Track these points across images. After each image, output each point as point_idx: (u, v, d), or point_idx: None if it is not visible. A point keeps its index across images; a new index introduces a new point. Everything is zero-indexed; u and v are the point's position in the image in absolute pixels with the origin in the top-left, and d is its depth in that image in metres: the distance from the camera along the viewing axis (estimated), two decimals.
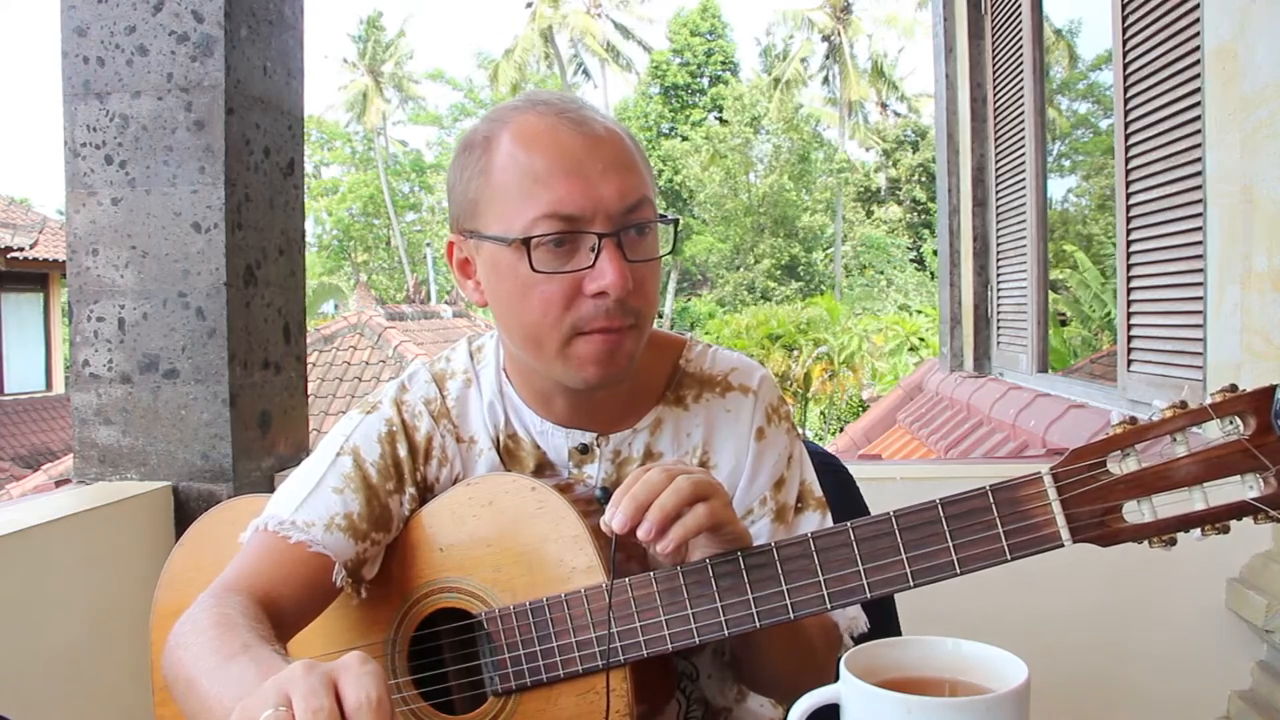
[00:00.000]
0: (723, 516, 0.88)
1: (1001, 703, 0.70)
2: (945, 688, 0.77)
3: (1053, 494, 0.82)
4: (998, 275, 4.75)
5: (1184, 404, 0.80)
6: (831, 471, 1.33)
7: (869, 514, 1.36)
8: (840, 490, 1.33)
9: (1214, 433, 0.80)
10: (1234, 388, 0.79)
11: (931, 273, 22.98)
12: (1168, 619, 1.92)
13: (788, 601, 0.88)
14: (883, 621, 1.22)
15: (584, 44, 31.70)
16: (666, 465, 0.88)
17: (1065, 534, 0.82)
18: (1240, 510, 0.79)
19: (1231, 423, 0.79)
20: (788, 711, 0.77)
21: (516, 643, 0.96)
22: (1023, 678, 0.72)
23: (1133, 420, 0.81)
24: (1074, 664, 1.92)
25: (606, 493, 1.03)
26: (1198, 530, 0.80)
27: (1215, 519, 0.80)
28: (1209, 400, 0.79)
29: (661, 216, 0.98)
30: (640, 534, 0.84)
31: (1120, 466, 0.81)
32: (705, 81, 31.02)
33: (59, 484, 2.14)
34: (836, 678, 0.75)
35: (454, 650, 1.04)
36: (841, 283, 26.68)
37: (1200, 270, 2.46)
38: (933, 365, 6.21)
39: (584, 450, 1.06)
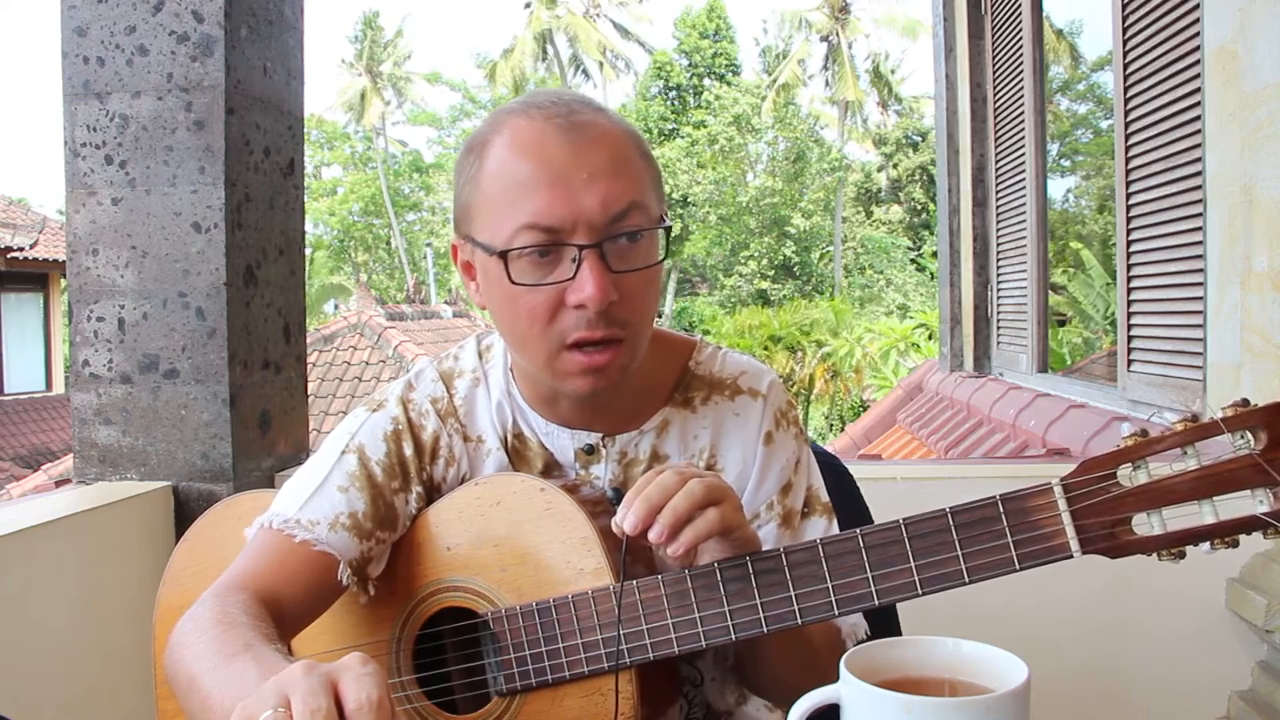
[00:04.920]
0: (733, 521, 0.87)
1: (1001, 703, 0.70)
2: (945, 688, 0.77)
3: (1063, 505, 0.82)
4: (998, 275, 4.75)
5: (1195, 417, 0.79)
6: (832, 471, 1.33)
7: (869, 514, 1.38)
8: (840, 490, 1.33)
9: (1224, 446, 0.79)
10: (1245, 402, 0.78)
11: (931, 274, 23.00)
12: (1168, 619, 1.92)
13: (795, 607, 0.88)
14: (883, 621, 1.22)
15: (579, 45, 31.67)
16: (679, 468, 0.88)
17: (1075, 545, 0.82)
18: (1250, 525, 0.78)
19: (1242, 437, 0.78)
20: (787, 714, 0.77)
21: (522, 643, 0.96)
22: (1023, 678, 0.72)
23: (1144, 433, 0.81)
24: (1074, 664, 1.92)
25: (618, 493, 1.03)
26: (1206, 543, 0.80)
27: (1224, 533, 0.79)
28: (1220, 414, 0.79)
29: (659, 221, 0.97)
30: (651, 536, 0.84)
31: (1131, 479, 0.81)
32: (709, 82, 31.01)
33: (59, 484, 2.15)
34: (837, 679, 0.75)
35: (459, 650, 1.04)
36: (841, 283, 26.67)
37: (1200, 270, 2.46)
38: (932, 365, 6.21)
39: (590, 451, 1.06)
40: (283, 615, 0.94)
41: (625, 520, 0.84)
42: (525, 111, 0.95)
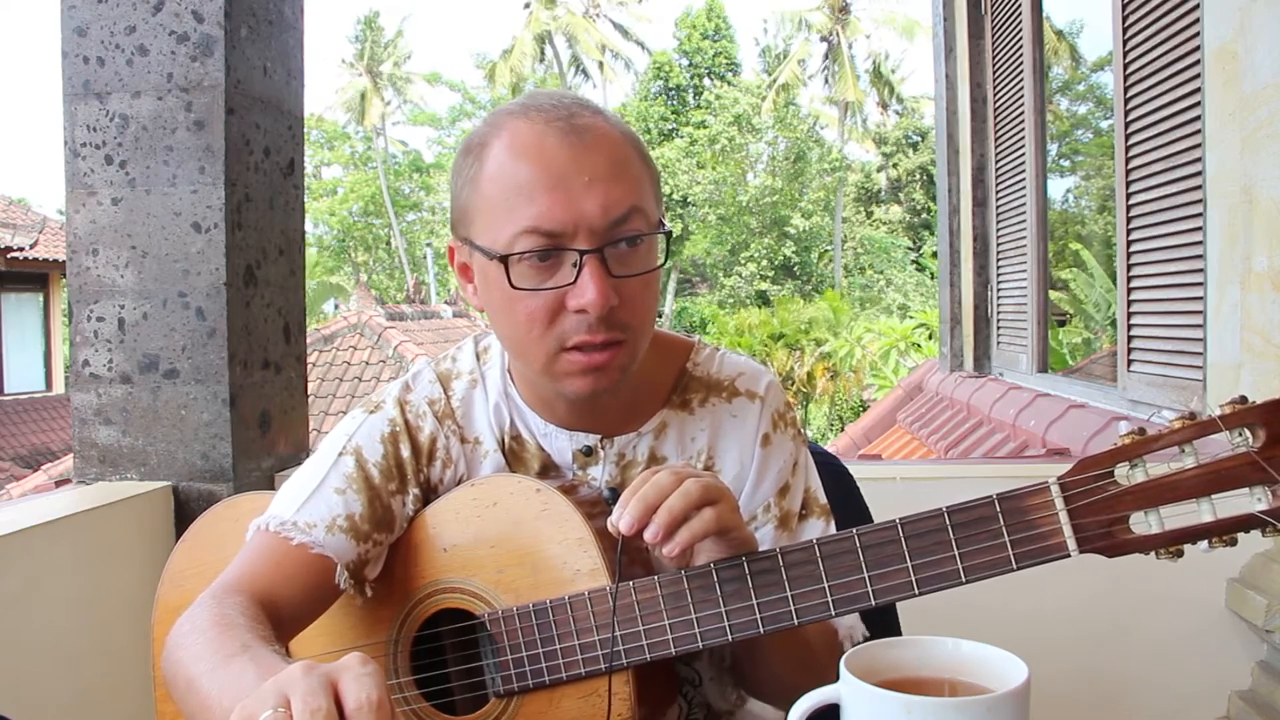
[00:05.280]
0: (730, 521, 0.87)
1: (1001, 703, 0.70)
2: (945, 688, 0.77)
3: (1060, 504, 0.82)
4: (998, 275, 4.75)
5: (1193, 415, 0.79)
6: (831, 471, 1.33)
7: (869, 514, 1.37)
8: (840, 490, 1.33)
9: (1222, 444, 0.79)
10: (1244, 399, 0.78)
11: (931, 274, 23.01)
12: (1168, 619, 1.92)
13: (792, 607, 0.88)
14: (883, 621, 1.22)
15: (579, 46, 31.66)
16: (675, 468, 0.87)
17: (1072, 544, 0.82)
18: (1248, 523, 0.78)
19: (1240, 434, 0.78)
20: (786, 714, 0.77)
21: (519, 644, 0.96)
22: (1023, 678, 0.72)
23: (1141, 431, 0.81)
24: (1074, 664, 1.92)
25: (614, 493, 1.03)
26: (1205, 542, 0.80)
27: (1223, 531, 0.79)
28: (1218, 412, 0.78)
29: (660, 224, 0.97)
30: (647, 536, 0.84)
31: (1128, 477, 0.81)
32: (709, 82, 31.00)
33: (59, 484, 2.15)
34: (836, 680, 0.75)
35: (456, 651, 1.04)
36: (841, 283, 26.66)
37: (1200, 270, 2.46)
38: (932, 365, 6.21)
39: (588, 453, 1.06)
40: (280, 617, 0.94)
41: (621, 520, 0.84)
42: (525, 114, 0.95)
